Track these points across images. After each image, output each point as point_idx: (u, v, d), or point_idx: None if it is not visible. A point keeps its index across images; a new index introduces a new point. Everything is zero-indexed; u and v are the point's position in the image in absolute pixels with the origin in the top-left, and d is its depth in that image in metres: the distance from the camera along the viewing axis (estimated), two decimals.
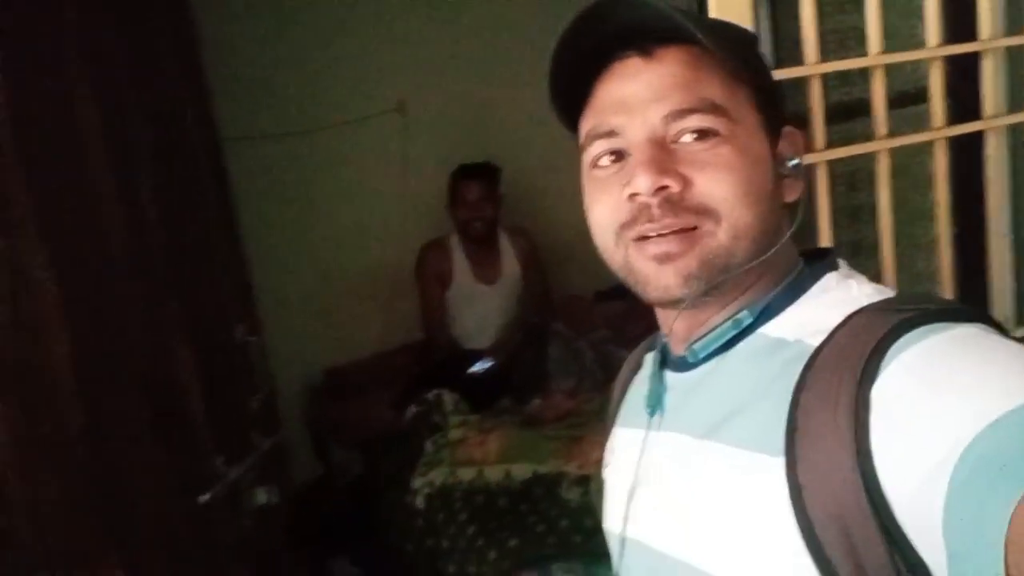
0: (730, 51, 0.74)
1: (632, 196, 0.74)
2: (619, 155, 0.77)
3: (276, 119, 3.26)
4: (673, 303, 0.77)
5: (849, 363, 0.64)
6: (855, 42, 1.65)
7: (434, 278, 3.32)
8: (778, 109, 0.82)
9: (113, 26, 1.39)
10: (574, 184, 0.84)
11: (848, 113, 1.69)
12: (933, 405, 0.58)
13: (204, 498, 1.44)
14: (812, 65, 1.45)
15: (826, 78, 1.50)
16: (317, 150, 3.41)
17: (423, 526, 2.52)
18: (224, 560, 1.56)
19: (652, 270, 0.75)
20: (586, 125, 0.80)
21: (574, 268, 3.31)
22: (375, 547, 2.86)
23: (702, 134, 0.74)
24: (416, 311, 3.42)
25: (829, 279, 0.78)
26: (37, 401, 1.21)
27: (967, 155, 1.64)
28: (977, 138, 1.61)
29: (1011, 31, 1.60)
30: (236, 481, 1.54)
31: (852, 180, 1.71)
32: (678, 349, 0.83)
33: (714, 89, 0.75)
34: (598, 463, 0.97)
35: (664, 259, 0.73)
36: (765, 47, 1.58)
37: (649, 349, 0.93)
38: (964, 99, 1.61)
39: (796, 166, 0.80)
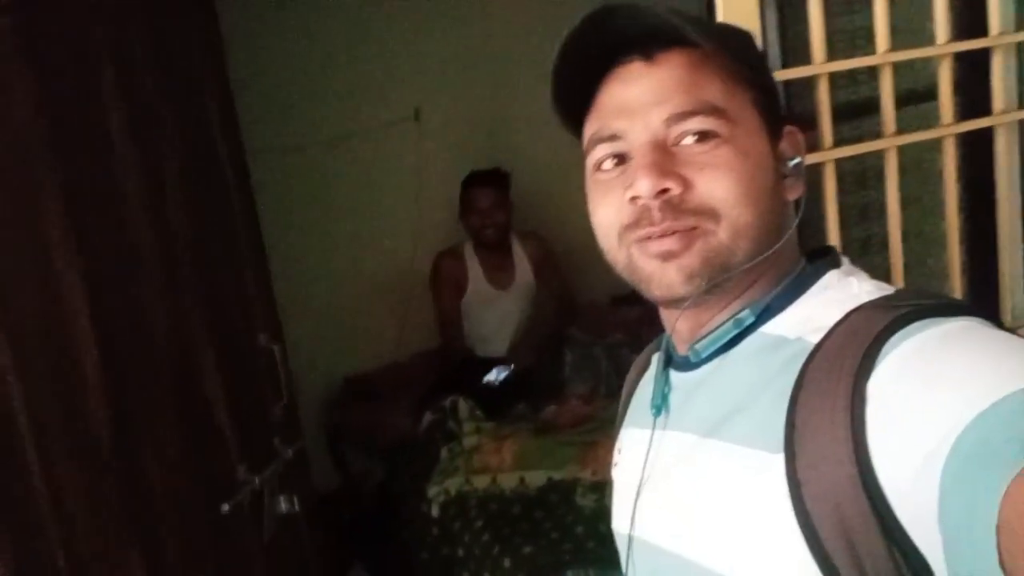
0: (730, 54, 0.75)
1: (634, 199, 0.75)
2: (621, 158, 0.78)
3: (295, 130, 3.28)
4: (676, 301, 0.77)
5: (846, 359, 0.65)
6: (864, 42, 1.64)
7: (449, 286, 3.33)
8: (778, 109, 0.82)
9: (144, 39, 1.42)
10: None
11: (858, 112, 1.68)
12: (927, 397, 0.59)
13: (227, 506, 1.45)
14: (820, 64, 1.44)
15: (835, 77, 1.50)
16: (335, 160, 3.44)
17: (438, 534, 2.52)
18: (246, 568, 1.57)
19: (655, 268, 0.75)
20: (589, 129, 0.81)
21: (590, 274, 3.32)
22: (391, 556, 2.86)
23: (703, 136, 0.74)
24: (432, 319, 3.43)
25: (830, 277, 0.78)
26: (65, 407, 1.24)
27: (977, 151, 1.63)
28: (987, 134, 1.60)
29: (1020, 26, 1.60)
30: (259, 489, 1.55)
31: (862, 178, 1.71)
32: (682, 349, 0.84)
33: (714, 91, 0.75)
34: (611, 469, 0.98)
35: (667, 257, 0.74)
36: (773, 48, 1.58)
37: (656, 350, 0.94)
38: (974, 95, 1.60)
39: (797, 165, 0.81)
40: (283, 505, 1.64)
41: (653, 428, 0.85)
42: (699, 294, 0.75)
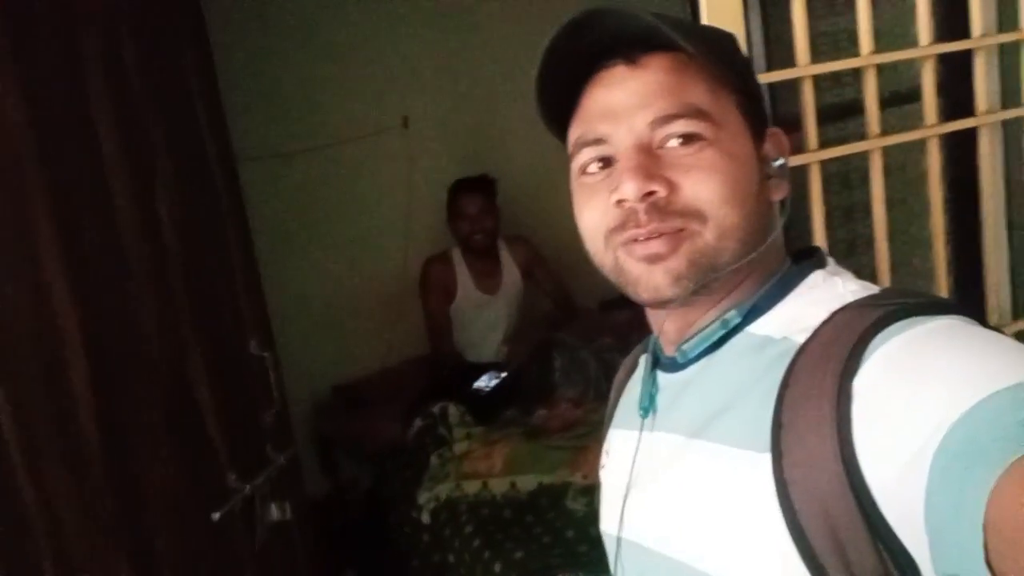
0: (714, 57, 0.75)
1: (620, 202, 0.75)
2: (607, 162, 0.78)
3: (283, 138, 3.29)
4: (663, 303, 0.77)
5: (832, 358, 0.65)
6: (848, 43, 1.65)
7: (438, 291, 3.34)
8: (762, 111, 0.83)
9: (133, 47, 1.41)
10: None
11: (843, 113, 1.69)
12: (913, 395, 0.59)
13: (218, 514, 1.45)
14: (804, 67, 1.45)
15: (819, 79, 1.50)
16: (323, 168, 3.44)
17: (429, 541, 2.52)
18: (237, 575, 1.56)
19: (642, 271, 0.76)
20: (574, 133, 0.81)
21: (578, 279, 3.34)
22: (382, 563, 2.86)
23: (687, 139, 0.74)
24: (422, 325, 3.43)
25: (815, 277, 0.79)
26: (54, 413, 1.23)
27: (962, 152, 1.64)
28: (971, 135, 1.61)
29: (1002, 27, 1.61)
30: (250, 496, 1.55)
31: (847, 179, 1.72)
32: (669, 350, 0.84)
33: (698, 94, 0.76)
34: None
35: (653, 259, 0.74)
36: (757, 50, 1.59)
37: (644, 351, 0.94)
38: (957, 97, 1.61)
39: (781, 166, 0.81)
40: (275, 512, 1.64)
41: (641, 429, 0.85)
42: (686, 296, 0.75)
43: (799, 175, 1.38)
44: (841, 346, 0.65)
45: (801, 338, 0.70)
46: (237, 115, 1.78)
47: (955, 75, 1.64)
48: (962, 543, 0.52)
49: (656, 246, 0.74)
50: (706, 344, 0.79)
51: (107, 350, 1.31)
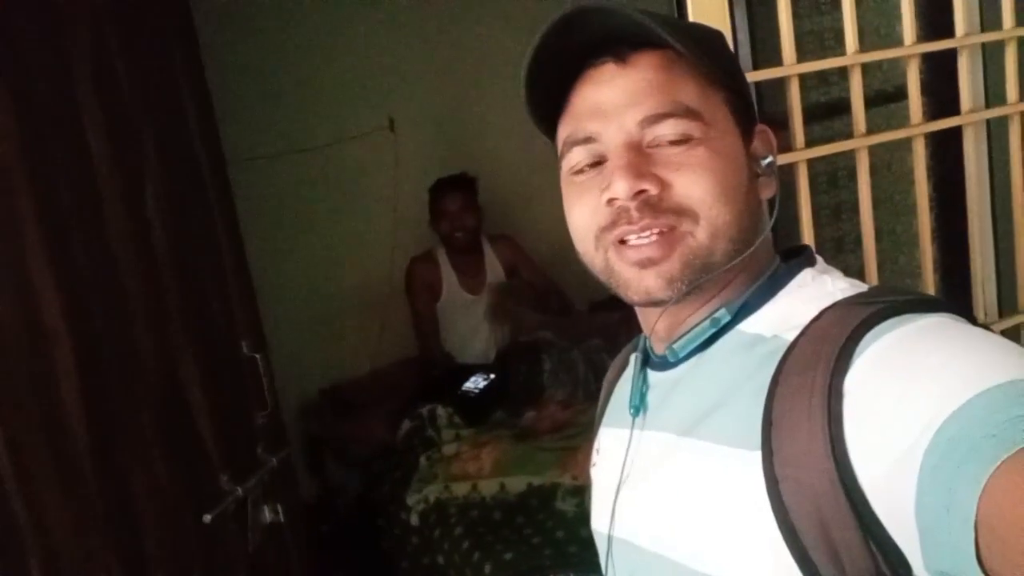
0: (703, 54, 0.75)
1: (611, 201, 0.75)
2: (597, 160, 0.77)
3: (269, 140, 3.27)
4: (655, 305, 0.77)
5: (822, 356, 0.65)
6: (833, 43, 1.66)
7: (424, 291, 3.34)
8: (750, 109, 0.83)
9: (121, 50, 1.40)
10: None
11: (829, 112, 1.70)
12: (903, 392, 0.59)
13: (210, 516, 1.44)
14: (790, 66, 1.46)
15: (805, 78, 1.51)
16: (309, 170, 3.43)
17: (418, 543, 2.51)
18: None
19: (633, 275, 0.75)
20: (563, 132, 0.80)
21: (568, 280, 3.33)
22: (371, 565, 2.84)
23: (677, 137, 0.74)
24: (410, 326, 3.43)
25: (805, 275, 0.79)
26: (43, 416, 1.22)
27: (947, 151, 1.65)
28: (956, 133, 1.62)
29: (985, 27, 1.62)
30: (243, 498, 1.54)
31: (834, 177, 1.72)
32: (659, 348, 0.84)
33: (688, 92, 0.75)
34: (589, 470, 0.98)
35: (646, 264, 0.74)
36: (743, 49, 1.59)
37: (634, 350, 0.94)
38: (941, 96, 1.62)
39: (770, 164, 0.81)
40: (267, 515, 1.63)
41: (632, 428, 0.85)
42: (679, 297, 0.75)
43: (786, 174, 1.39)
44: (831, 344, 0.65)
45: (791, 336, 0.70)
46: (224, 119, 1.77)
47: (939, 74, 1.65)
48: (954, 540, 0.52)
49: (648, 251, 0.74)
50: (697, 343, 0.79)
51: (97, 353, 1.29)
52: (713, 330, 0.78)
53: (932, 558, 0.56)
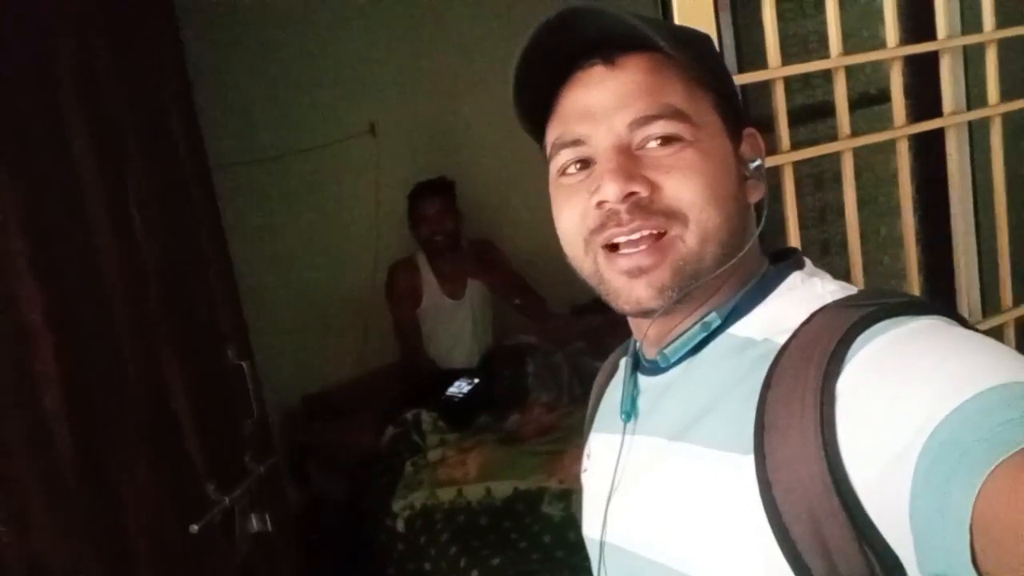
0: (691, 57, 0.75)
1: (600, 203, 0.74)
2: (585, 163, 0.77)
3: (249, 146, 3.24)
4: (645, 314, 0.77)
5: (814, 359, 0.64)
6: (817, 45, 1.67)
7: (405, 296, 3.32)
8: (738, 111, 0.82)
9: (106, 56, 1.38)
10: (550, 200, 0.83)
11: (813, 115, 1.71)
12: (897, 395, 0.59)
13: (197, 526, 1.42)
14: (775, 69, 1.46)
15: (790, 81, 1.51)
16: (290, 175, 3.41)
17: (404, 549, 2.50)
18: None
19: (623, 284, 0.75)
20: (552, 134, 0.80)
21: (552, 283, 3.33)
22: (357, 573, 2.83)
23: (666, 140, 0.74)
24: (392, 332, 3.41)
25: (794, 278, 0.78)
26: (27, 426, 1.20)
27: (931, 153, 1.66)
28: (938, 135, 1.63)
29: (967, 30, 1.63)
30: (230, 508, 1.52)
31: (820, 180, 1.73)
32: (650, 353, 0.83)
33: (677, 95, 0.75)
34: (579, 475, 0.97)
35: (636, 273, 0.74)
36: (728, 52, 1.60)
37: (624, 354, 0.93)
38: (924, 98, 1.63)
39: (758, 167, 0.81)
40: (255, 524, 1.61)
41: (623, 433, 0.84)
42: (669, 306, 0.74)
43: (771, 176, 1.39)
44: (823, 347, 0.65)
45: (782, 339, 0.70)
46: (207, 124, 1.76)
47: (922, 77, 1.66)
48: (948, 544, 0.52)
49: (639, 259, 0.73)
50: (687, 347, 0.78)
51: (81, 361, 1.28)
52: (704, 334, 0.78)
53: (926, 561, 0.56)
